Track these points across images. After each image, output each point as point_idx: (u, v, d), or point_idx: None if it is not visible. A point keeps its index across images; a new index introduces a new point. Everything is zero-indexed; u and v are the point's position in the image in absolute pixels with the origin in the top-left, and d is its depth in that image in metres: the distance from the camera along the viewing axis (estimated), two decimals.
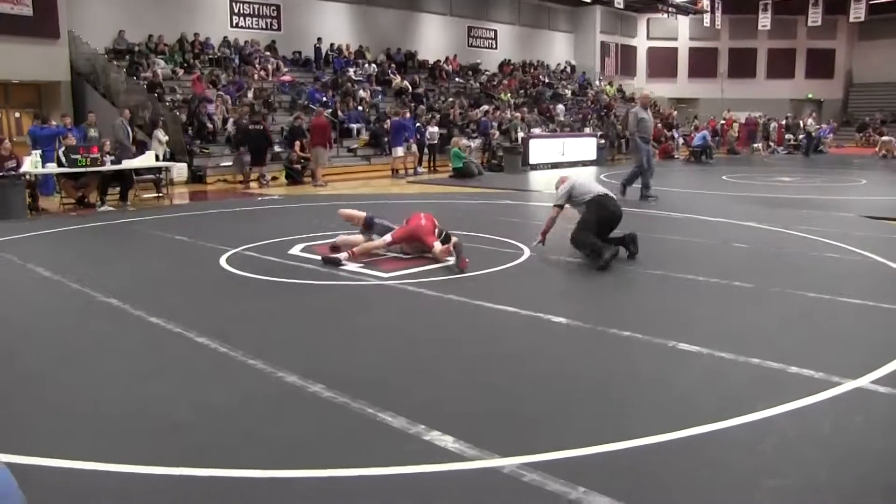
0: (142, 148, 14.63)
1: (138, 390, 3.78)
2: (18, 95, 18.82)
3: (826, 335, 4.66)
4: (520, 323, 4.94)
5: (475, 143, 20.83)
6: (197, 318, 5.08)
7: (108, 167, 12.07)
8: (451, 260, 6.62)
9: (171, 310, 5.25)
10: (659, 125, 24.69)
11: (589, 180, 7.76)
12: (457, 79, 28.40)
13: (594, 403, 3.56)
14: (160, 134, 15.88)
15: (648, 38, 38.96)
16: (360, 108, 22.12)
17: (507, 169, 19.57)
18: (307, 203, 12.53)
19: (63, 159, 11.64)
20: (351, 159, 20.06)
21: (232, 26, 23.42)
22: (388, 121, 19.62)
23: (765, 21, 34.61)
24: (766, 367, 3.92)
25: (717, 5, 34.52)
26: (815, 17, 33.17)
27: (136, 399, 3.65)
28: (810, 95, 38.45)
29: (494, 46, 32.44)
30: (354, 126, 21.15)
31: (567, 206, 7.24)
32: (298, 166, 16.41)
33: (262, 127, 16.60)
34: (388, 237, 7.03)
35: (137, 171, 13.02)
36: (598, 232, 6.88)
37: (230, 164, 17.11)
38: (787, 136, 29.57)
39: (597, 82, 34.73)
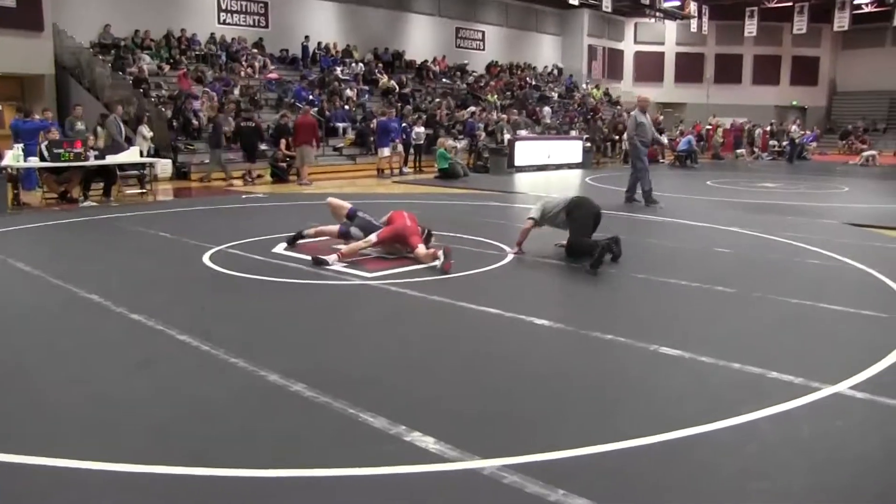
0: (126, 143, 14.55)
1: (120, 389, 3.74)
2: (1, 88, 18.61)
3: (806, 341, 4.69)
4: (503, 325, 4.94)
5: (461, 143, 20.84)
6: (179, 315, 5.04)
7: (92, 162, 11.97)
8: (435, 263, 6.60)
9: (153, 307, 5.21)
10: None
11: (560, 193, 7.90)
12: (444, 79, 28.41)
13: (576, 406, 3.57)
14: (145, 130, 15.77)
15: (636, 42, 39.13)
16: (346, 107, 22.07)
17: (492, 170, 19.60)
18: (292, 202, 12.48)
19: (46, 153, 11.52)
20: (337, 158, 20.02)
21: (219, 23, 23.33)
22: (375, 120, 19.59)
23: (751, 27, 34.85)
24: (746, 371, 3.94)
25: (704, 11, 34.73)
26: (800, 24, 33.43)
27: (118, 398, 3.62)
28: (795, 102, 38.78)
29: (482, 48, 32.49)
30: (340, 125, 21.13)
31: (547, 226, 7.39)
32: (284, 164, 16.37)
33: (254, 124, 16.62)
34: (373, 237, 7.00)
35: (121, 167, 12.92)
36: (586, 231, 7.02)
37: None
38: (771, 143, 29.80)
39: (583, 85, 34.84)
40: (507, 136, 20.70)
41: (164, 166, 15.76)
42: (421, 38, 29.58)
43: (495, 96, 27.72)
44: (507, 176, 18.78)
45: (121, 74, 18.60)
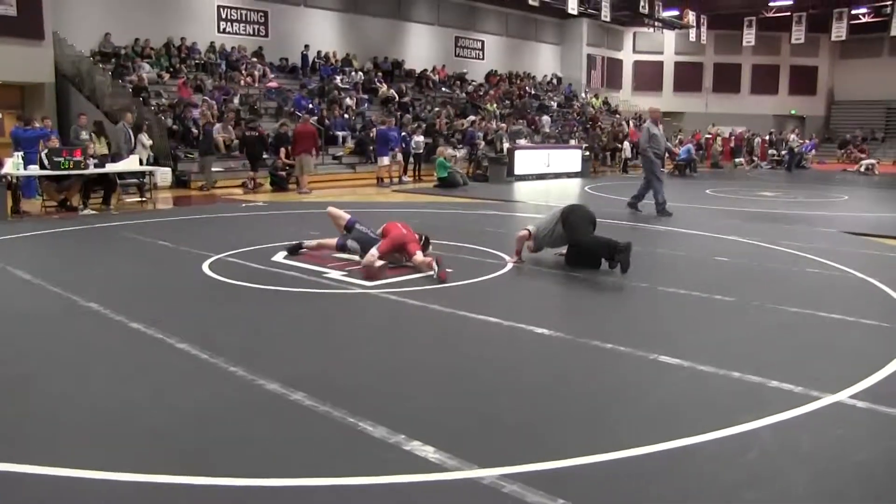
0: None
1: (118, 397, 3.73)
2: (1, 96, 18.64)
3: (806, 350, 4.68)
4: (502, 334, 4.94)
5: (460, 152, 20.87)
6: (178, 324, 5.04)
7: (92, 170, 11.98)
8: (431, 272, 6.59)
9: (152, 315, 5.21)
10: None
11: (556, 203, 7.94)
12: (443, 88, 28.46)
13: (576, 415, 3.56)
14: (144, 138, 15.79)
15: (634, 51, 39.28)
16: (346, 115, 22.11)
17: (491, 179, 19.65)
18: (292, 210, 12.49)
19: (46, 162, 11.53)
20: (336, 167, 20.05)
21: (219, 31, 23.38)
22: (374, 129, 19.63)
23: (749, 37, 35.02)
24: (746, 380, 3.94)
25: (702, 21, 34.89)
26: (798, 34, 33.60)
27: (117, 406, 3.61)
28: (793, 111, 38.91)
29: (481, 57, 32.57)
30: (340, 134, 21.16)
31: (546, 247, 7.42)
32: (283, 173, 16.40)
33: (258, 133, 16.72)
34: (375, 252, 6.96)
35: (121, 175, 12.93)
36: (587, 231, 7.08)
37: (221, 170, 17.07)
38: (770, 152, 29.87)
39: (583, 94, 34.94)
40: (506, 145, 20.74)
41: (163, 175, 15.79)
42: (420, 47, 29.65)
43: (495, 105, 27.77)
44: (506, 185, 18.81)
45: (121, 83, 18.63)
